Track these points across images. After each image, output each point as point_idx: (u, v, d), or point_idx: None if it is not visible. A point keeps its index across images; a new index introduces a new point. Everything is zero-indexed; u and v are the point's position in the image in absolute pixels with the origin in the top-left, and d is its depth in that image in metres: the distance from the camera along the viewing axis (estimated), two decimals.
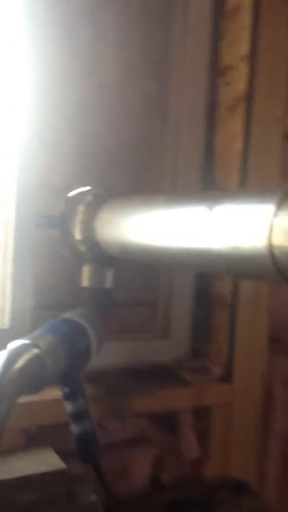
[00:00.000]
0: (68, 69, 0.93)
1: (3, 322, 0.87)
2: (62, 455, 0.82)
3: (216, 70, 1.03)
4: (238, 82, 0.98)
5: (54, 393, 0.77)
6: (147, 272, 1.02)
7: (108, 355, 0.92)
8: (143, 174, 1.01)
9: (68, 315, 0.80)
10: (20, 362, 0.64)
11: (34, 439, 0.85)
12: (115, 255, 0.84)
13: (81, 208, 0.86)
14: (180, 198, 0.70)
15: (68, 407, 0.76)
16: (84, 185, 0.91)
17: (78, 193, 0.89)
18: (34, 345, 0.67)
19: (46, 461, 0.77)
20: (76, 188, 0.90)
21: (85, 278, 0.89)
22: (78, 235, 0.86)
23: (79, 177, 0.95)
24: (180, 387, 0.96)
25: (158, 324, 1.03)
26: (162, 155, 1.03)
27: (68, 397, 0.76)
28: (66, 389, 0.76)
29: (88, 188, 0.90)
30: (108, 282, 0.90)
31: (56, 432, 0.83)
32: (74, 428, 0.77)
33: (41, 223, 0.89)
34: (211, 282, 1.03)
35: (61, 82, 0.92)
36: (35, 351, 0.66)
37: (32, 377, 0.64)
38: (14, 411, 0.79)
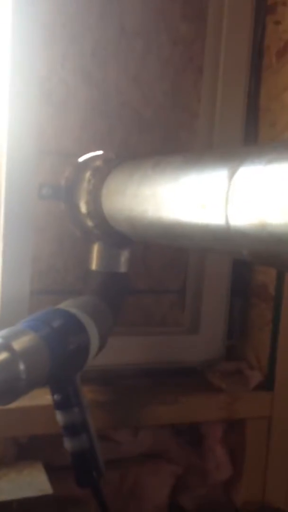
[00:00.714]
0: (80, 9, 0.77)
1: None
2: (58, 470, 0.69)
3: (263, 7, 0.84)
4: None
5: (49, 397, 0.63)
6: (173, 254, 0.85)
7: (122, 351, 0.81)
8: (175, 136, 0.85)
9: (63, 305, 0.66)
10: None
11: (25, 450, 0.72)
12: (126, 232, 0.68)
13: (87, 176, 0.72)
14: (199, 158, 0.53)
15: (60, 418, 0.62)
16: (102, 150, 0.76)
17: (87, 158, 0.76)
18: (5, 346, 0.53)
19: (33, 481, 0.64)
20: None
21: (94, 259, 0.75)
22: (84, 208, 0.73)
23: (95, 141, 0.80)
24: (208, 394, 0.81)
25: (185, 317, 0.87)
26: (197, 113, 0.86)
27: (60, 406, 0.62)
28: (57, 397, 0.62)
29: (100, 152, 0.75)
30: (122, 265, 0.76)
31: (50, 443, 0.69)
32: (68, 444, 0.63)
33: (44, 194, 0.75)
34: (252, 268, 0.85)
35: (71, 26, 0.76)
36: (4, 354, 0.52)
37: None
38: (3, 417, 0.68)
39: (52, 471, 0.69)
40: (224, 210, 0.44)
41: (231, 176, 0.44)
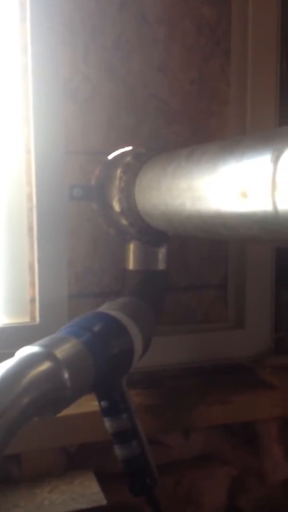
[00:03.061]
0: (99, 2, 0.74)
1: (34, 316, 0.72)
2: (110, 477, 0.66)
3: None
4: None
5: (95, 403, 0.61)
6: (212, 247, 0.82)
7: (165, 351, 0.78)
8: (206, 125, 0.82)
9: (103, 308, 0.64)
10: (26, 380, 0.47)
11: (75, 460, 0.70)
12: (162, 229, 0.66)
13: (118, 173, 0.70)
14: (237, 143, 0.50)
15: (109, 425, 0.60)
16: (131, 146, 0.74)
17: (117, 155, 0.73)
18: (47, 355, 0.50)
19: (85, 492, 0.62)
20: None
21: (131, 259, 0.73)
22: (117, 207, 0.70)
23: (123, 137, 0.78)
24: (261, 391, 0.77)
25: (229, 312, 0.84)
26: (227, 99, 0.82)
27: (107, 412, 0.60)
28: (104, 403, 0.60)
29: (129, 148, 0.73)
30: (160, 263, 0.73)
31: (100, 450, 0.67)
32: (118, 452, 0.61)
33: (75, 195, 0.73)
34: None
35: (91, 21, 0.74)
36: (47, 364, 0.49)
37: (42, 398, 0.48)
38: (51, 427, 0.66)
39: (104, 479, 0.67)
40: (271, 196, 0.41)
41: (276, 159, 0.40)
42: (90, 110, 0.76)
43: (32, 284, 0.73)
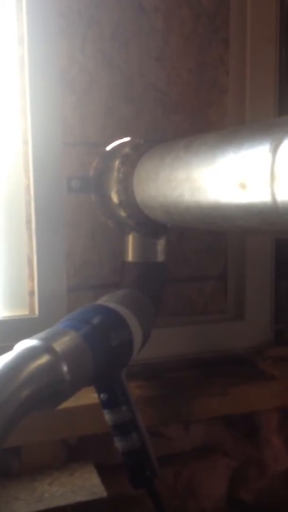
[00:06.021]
0: None
1: (33, 309, 0.72)
2: (110, 469, 0.67)
3: None
4: None
5: (95, 396, 0.60)
6: (211, 238, 0.82)
7: (165, 343, 0.78)
8: (204, 115, 0.81)
9: (102, 300, 0.64)
10: (25, 374, 0.47)
11: (75, 452, 0.70)
12: (161, 220, 0.65)
13: (116, 164, 0.69)
14: (235, 133, 0.49)
15: (108, 417, 0.60)
16: (129, 137, 0.73)
17: (115, 146, 0.73)
18: (46, 348, 0.50)
19: (85, 484, 0.62)
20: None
21: (130, 251, 0.72)
22: (115, 198, 0.69)
23: (121, 128, 0.77)
24: (261, 382, 0.77)
25: (229, 303, 0.84)
26: (225, 88, 0.82)
27: (107, 405, 0.60)
28: (103, 396, 0.60)
29: (127, 139, 0.72)
30: (159, 254, 0.73)
31: (100, 442, 0.67)
32: (118, 444, 0.60)
33: (73, 187, 0.73)
34: None
35: (88, 10, 0.73)
36: (46, 357, 0.49)
37: (41, 391, 0.48)
38: (51, 419, 0.66)
39: (104, 471, 0.67)
40: (270, 187, 0.40)
41: (275, 149, 0.40)
42: (88, 100, 0.75)
43: (31, 277, 0.72)
